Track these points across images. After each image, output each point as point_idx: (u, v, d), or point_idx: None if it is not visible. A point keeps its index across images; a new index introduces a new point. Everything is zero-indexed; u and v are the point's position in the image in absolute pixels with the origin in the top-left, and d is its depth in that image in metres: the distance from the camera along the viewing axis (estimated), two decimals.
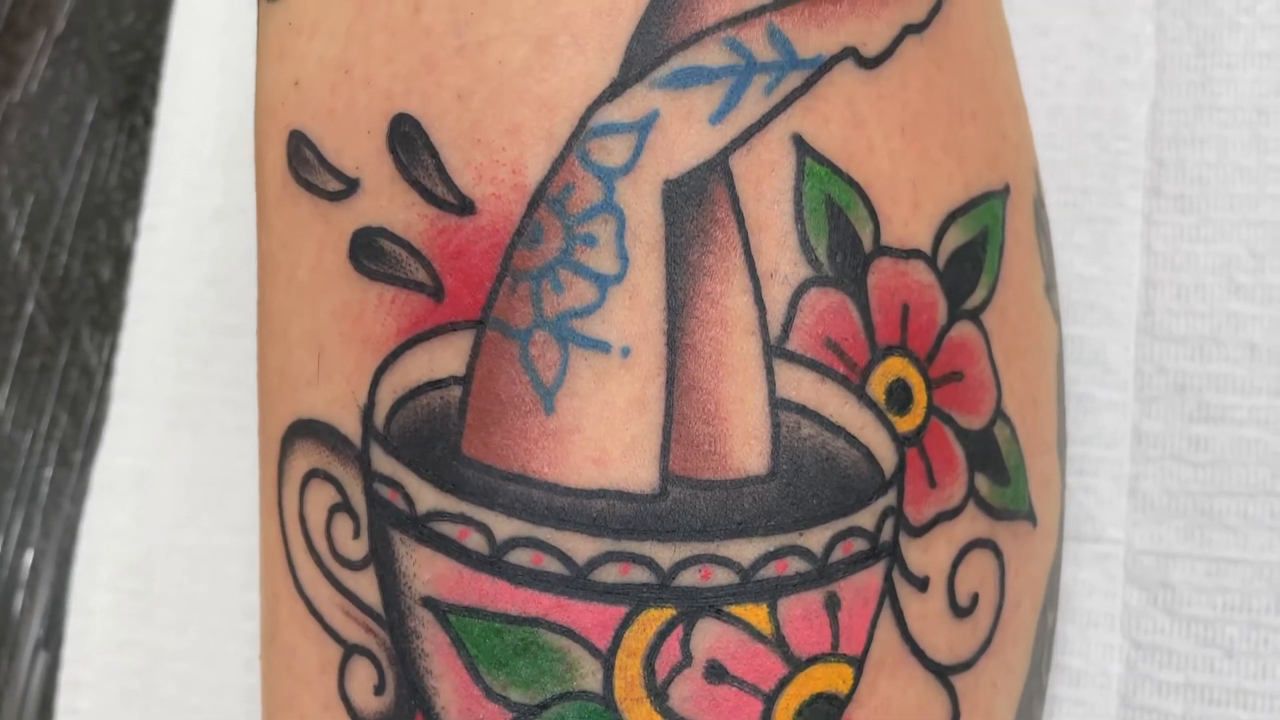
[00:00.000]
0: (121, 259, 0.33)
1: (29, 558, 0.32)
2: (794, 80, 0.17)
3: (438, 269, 0.17)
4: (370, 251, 0.17)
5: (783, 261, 0.17)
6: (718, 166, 0.17)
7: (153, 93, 0.33)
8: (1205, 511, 0.25)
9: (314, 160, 0.18)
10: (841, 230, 0.17)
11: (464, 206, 0.17)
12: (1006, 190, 0.19)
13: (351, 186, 0.18)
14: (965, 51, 0.19)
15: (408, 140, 0.17)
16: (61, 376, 0.33)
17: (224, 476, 0.31)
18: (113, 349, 0.32)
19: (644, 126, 0.17)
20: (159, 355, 0.32)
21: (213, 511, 0.31)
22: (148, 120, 0.33)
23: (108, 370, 0.32)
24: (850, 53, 0.17)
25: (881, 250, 0.18)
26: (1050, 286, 0.21)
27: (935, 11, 0.18)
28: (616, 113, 0.17)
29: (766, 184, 0.17)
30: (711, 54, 0.17)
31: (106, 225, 0.33)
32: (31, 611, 0.32)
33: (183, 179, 0.32)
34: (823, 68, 0.17)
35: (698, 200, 0.17)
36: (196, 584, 0.30)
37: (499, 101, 0.17)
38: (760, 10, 0.17)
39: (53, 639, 0.32)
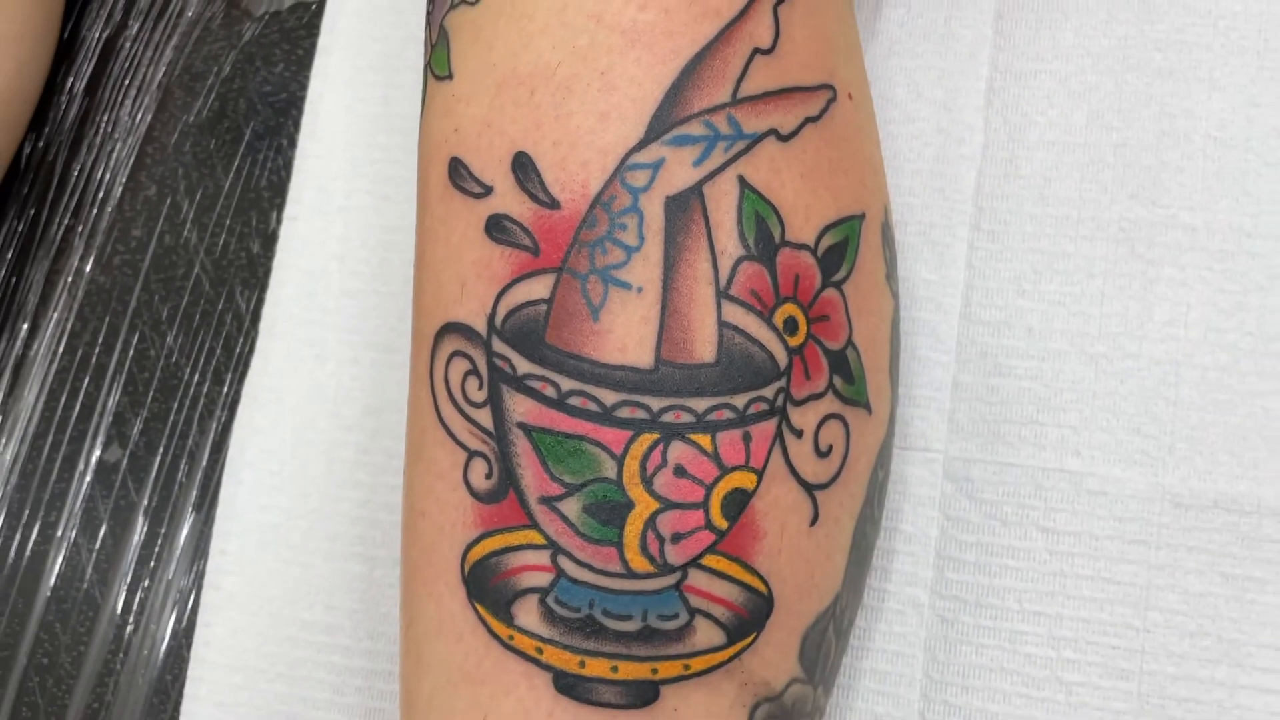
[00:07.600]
0: (267, 239, 0.46)
1: (189, 446, 0.45)
2: (740, 145, 0.30)
3: (537, 239, 0.30)
4: (498, 228, 0.30)
5: (729, 245, 0.30)
6: (696, 191, 0.30)
7: (295, 124, 0.46)
8: (996, 434, 0.38)
9: (466, 175, 0.31)
10: (763, 230, 0.30)
11: (554, 205, 0.30)
12: (863, 216, 0.32)
13: (488, 191, 0.31)
14: (843, 135, 0.32)
15: (524, 167, 0.30)
16: (218, 321, 0.46)
17: (338, 394, 0.43)
18: (259, 302, 0.45)
19: (656, 166, 0.30)
20: (294, 308, 0.44)
21: (329, 418, 0.42)
22: (291, 143, 0.46)
23: (254, 317, 0.45)
24: (773, 132, 0.31)
25: (785, 243, 0.31)
26: (890, 276, 0.34)
27: (825, 109, 0.32)
28: (642, 157, 0.30)
29: (723, 202, 0.30)
30: (695, 128, 0.30)
31: (257, 214, 0.46)
32: (191, 483, 0.44)
33: (315, 186, 0.45)
34: (757, 139, 0.30)
35: (684, 209, 0.30)
36: (317, 465, 0.41)
37: (577, 148, 0.30)
38: (722, 106, 0.30)
39: (203, 503, 0.44)
